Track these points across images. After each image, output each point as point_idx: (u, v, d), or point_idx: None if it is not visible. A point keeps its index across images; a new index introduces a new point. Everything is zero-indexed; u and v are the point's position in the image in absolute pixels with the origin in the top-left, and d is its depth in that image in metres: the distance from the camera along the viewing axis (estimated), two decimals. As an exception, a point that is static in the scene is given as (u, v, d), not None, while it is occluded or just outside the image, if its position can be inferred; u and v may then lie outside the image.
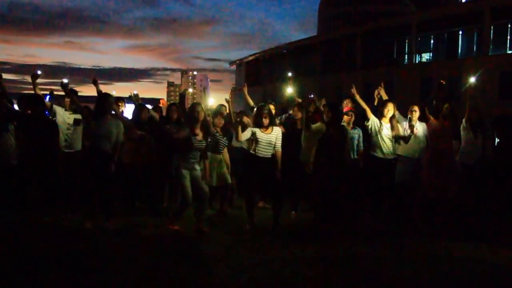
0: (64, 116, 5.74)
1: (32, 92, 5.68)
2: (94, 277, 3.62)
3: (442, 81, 5.74)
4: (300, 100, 6.40)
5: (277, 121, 5.77)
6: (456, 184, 5.61)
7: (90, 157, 5.05)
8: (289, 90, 6.99)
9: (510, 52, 19.80)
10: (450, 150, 5.67)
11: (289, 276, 3.80)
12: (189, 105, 5.34)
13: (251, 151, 5.14)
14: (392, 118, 5.61)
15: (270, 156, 5.12)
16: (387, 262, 4.21)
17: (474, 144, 5.80)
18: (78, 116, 5.72)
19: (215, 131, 5.69)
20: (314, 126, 5.52)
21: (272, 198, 5.36)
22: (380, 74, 20.93)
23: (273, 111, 6.58)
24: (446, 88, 5.58)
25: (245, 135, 5.09)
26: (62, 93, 5.80)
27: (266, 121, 5.09)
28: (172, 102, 10.11)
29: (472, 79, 5.84)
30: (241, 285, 3.58)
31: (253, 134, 5.07)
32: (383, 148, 5.60)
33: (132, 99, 6.54)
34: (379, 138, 5.59)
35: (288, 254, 4.36)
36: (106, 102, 4.98)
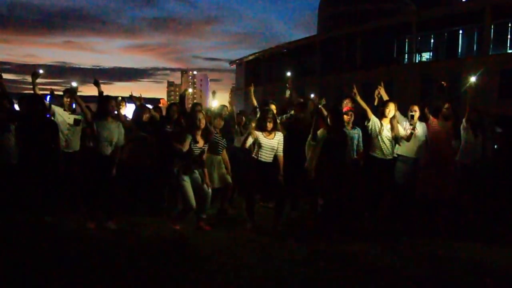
0: (64, 116, 5.74)
1: (32, 92, 5.68)
2: (95, 277, 3.63)
3: (443, 82, 5.73)
4: (301, 100, 6.40)
5: (278, 120, 5.76)
6: (455, 184, 5.61)
7: (91, 160, 5.07)
8: (289, 91, 6.98)
9: (510, 51, 19.76)
10: (449, 150, 5.67)
11: (289, 275, 3.81)
12: (190, 105, 5.36)
13: (253, 155, 5.17)
14: (392, 118, 5.60)
15: (271, 160, 5.16)
16: (387, 262, 4.22)
17: (474, 144, 5.80)
18: (78, 117, 5.73)
19: (215, 132, 5.70)
20: (318, 133, 5.50)
21: (274, 199, 5.37)
22: (380, 73, 20.90)
23: (274, 111, 6.59)
24: (446, 88, 5.55)
25: (249, 141, 5.12)
26: (62, 93, 5.83)
27: (270, 125, 5.12)
28: (172, 102, 10.11)
29: (473, 79, 5.83)
30: (241, 284, 3.59)
31: (256, 139, 5.09)
32: (383, 149, 5.60)
33: (132, 99, 6.54)
34: (379, 139, 5.59)
35: (288, 253, 4.38)
36: (108, 105, 5.00)
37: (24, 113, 5.46)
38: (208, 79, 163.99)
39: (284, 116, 6.57)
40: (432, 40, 23.81)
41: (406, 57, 24.82)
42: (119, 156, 5.16)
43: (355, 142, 5.90)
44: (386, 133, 5.58)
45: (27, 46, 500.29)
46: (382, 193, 5.74)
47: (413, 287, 3.70)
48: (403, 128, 5.74)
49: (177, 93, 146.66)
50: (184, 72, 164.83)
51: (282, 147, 5.20)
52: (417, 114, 5.67)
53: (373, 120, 5.59)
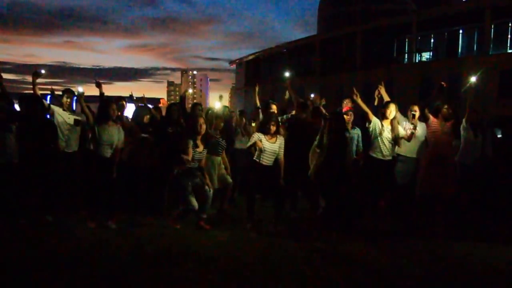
0: (63, 116, 5.74)
1: (32, 92, 5.68)
2: (96, 276, 3.63)
3: (443, 83, 5.73)
4: (302, 100, 6.40)
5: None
6: (455, 184, 5.61)
7: (91, 162, 5.13)
8: (288, 92, 6.97)
9: (510, 51, 19.76)
10: (449, 150, 5.67)
11: (288, 274, 3.82)
12: (190, 105, 5.38)
13: (255, 158, 5.19)
14: (393, 119, 5.62)
15: (272, 164, 5.20)
16: (386, 262, 4.22)
17: (474, 144, 5.81)
18: (78, 117, 5.74)
19: (216, 133, 5.74)
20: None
21: (274, 199, 5.37)
22: (380, 73, 20.89)
23: (275, 111, 6.59)
24: (446, 89, 5.55)
25: (251, 141, 5.14)
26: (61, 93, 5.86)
27: (273, 129, 5.16)
28: (172, 102, 10.12)
29: (473, 79, 5.82)
30: (241, 283, 3.60)
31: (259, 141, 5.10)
32: (382, 150, 5.63)
33: (135, 99, 6.55)
34: (380, 140, 5.61)
35: (287, 253, 4.39)
36: (109, 109, 5.07)
37: (24, 113, 5.47)
38: (208, 79, 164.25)
39: (285, 116, 6.57)
40: (432, 40, 23.79)
41: (406, 57, 24.81)
42: (119, 157, 5.22)
43: (355, 142, 5.91)
44: (387, 134, 5.60)
45: (27, 46, 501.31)
46: (382, 193, 5.74)
47: (413, 287, 3.71)
48: (403, 128, 5.75)
49: (177, 93, 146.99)
50: (184, 72, 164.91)
51: (283, 151, 5.25)
52: (417, 114, 5.69)
53: (374, 122, 5.61)
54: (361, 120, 5.94)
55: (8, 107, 5.34)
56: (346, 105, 6.19)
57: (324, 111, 6.10)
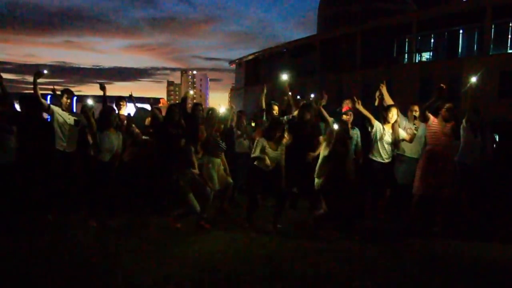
0: (64, 116, 5.74)
1: (32, 91, 5.68)
2: (96, 275, 3.64)
3: (442, 85, 5.73)
4: (304, 101, 6.39)
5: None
6: (453, 184, 5.61)
7: (91, 167, 5.23)
8: (286, 95, 6.96)
9: (510, 51, 19.76)
10: (449, 150, 5.67)
11: (288, 272, 3.83)
12: (190, 105, 5.41)
13: (255, 163, 5.21)
14: (394, 123, 5.64)
15: (273, 167, 5.21)
16: (386, 262, 4.23)
17: (474, 144, 5.81)
18: (78, 118, 5.74)
19: (216, 135, 5.77)
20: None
21: (275, 199, 5.38)
22: (380, 73, 20.89)
23: (277, 112, 6.59)
24: (445, 91, 5.54)
25: (257, 151, 5.16)
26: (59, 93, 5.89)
27: (279, 136, 5.18)
28: (172, 103, 10.12)
29: (473, 79, 5.82)
30: (241, 281, 3.60)
31: (262, 149, 5.13)
32: (382, 154, 5.67)
33: (132, 99, 6.56)
34: (380, 144, 5.65)
35: (287, 252, 4.40)
36: (110, 117, 5.21)
37: (23, 113, 5.48)
38: (208, 78, 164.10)
39: (285, 117, 6.58)
40: (432, 40, 23.80)
41: (406, 57, 24.81)
42: (119, 159, 5.37)
43: (354, 142, 5.92)
44: (387, 138, 5.65)
45: (27, 46, 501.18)
46: (381, 193, 5.75)
47: (413, 286, 3.71)
48: (403, 128, 5.76)
49: (177, 93, 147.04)
50: (184, 71, 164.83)
51: (284, 156, 5.27)
52: (418, 114, 5.69)
53: (377, 126, 5.65)
54: (361, 120, 5.94)
55: (9, 110, 5.35)
56: (346, 105, 6.20)
57: (324, 112, 6.09)
